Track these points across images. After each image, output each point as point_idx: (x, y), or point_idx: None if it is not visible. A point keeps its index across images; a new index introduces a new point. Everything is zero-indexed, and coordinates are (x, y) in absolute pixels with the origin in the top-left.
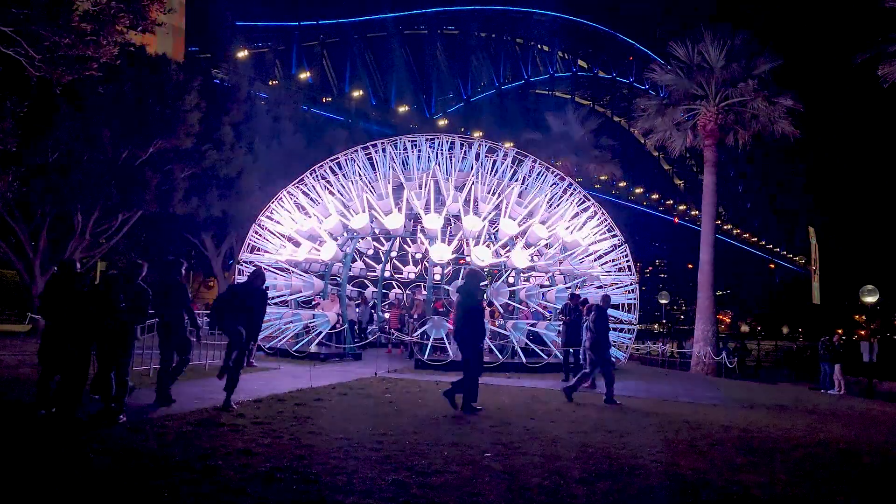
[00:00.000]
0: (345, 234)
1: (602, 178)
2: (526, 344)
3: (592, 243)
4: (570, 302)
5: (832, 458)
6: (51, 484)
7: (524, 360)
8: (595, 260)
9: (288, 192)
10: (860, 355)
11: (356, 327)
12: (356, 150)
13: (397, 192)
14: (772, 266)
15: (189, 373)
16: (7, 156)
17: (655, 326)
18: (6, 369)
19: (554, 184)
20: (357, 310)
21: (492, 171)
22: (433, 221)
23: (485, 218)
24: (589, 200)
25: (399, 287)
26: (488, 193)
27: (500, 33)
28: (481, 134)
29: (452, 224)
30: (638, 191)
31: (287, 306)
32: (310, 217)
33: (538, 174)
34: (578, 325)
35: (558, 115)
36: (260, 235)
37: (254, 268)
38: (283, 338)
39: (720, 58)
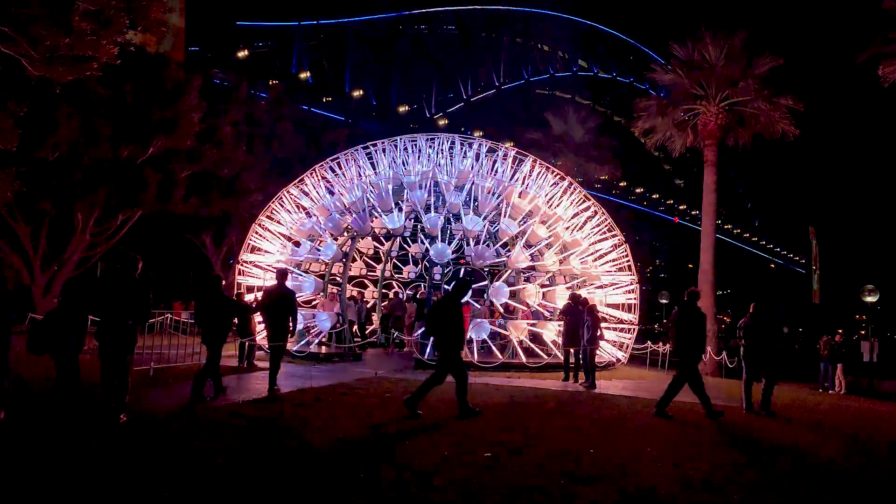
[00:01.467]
0: (345, 234)
1: (602, 177)
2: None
3: (593, 243)
4: (570, 302)
5: (833, 457)
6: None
7: (524, 359)
8: (595, 260)
9: (288, 192)
10: (860, 355)
11: (354, 327)
12: (356, 150)
13: (397, 192)
14: (772, 266)
15: (188, 372)
16: (7, 155)
17: (655, 326)
18: None
19: (554, 184)
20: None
21: (492, 170)
22: (433, 221)
23: (485, 218)
24: (589, 200)
25: (399, 287)
26: (488, 193)
27: (500, 33)
28: (481, 134)
29: (452, 224)
30: (638, 191)
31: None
32: (310, 217)
33: (538, 174)
34: (578, 325)
35: (558, 114)
36: (260, 235)
37: None
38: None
39: (720, 58)
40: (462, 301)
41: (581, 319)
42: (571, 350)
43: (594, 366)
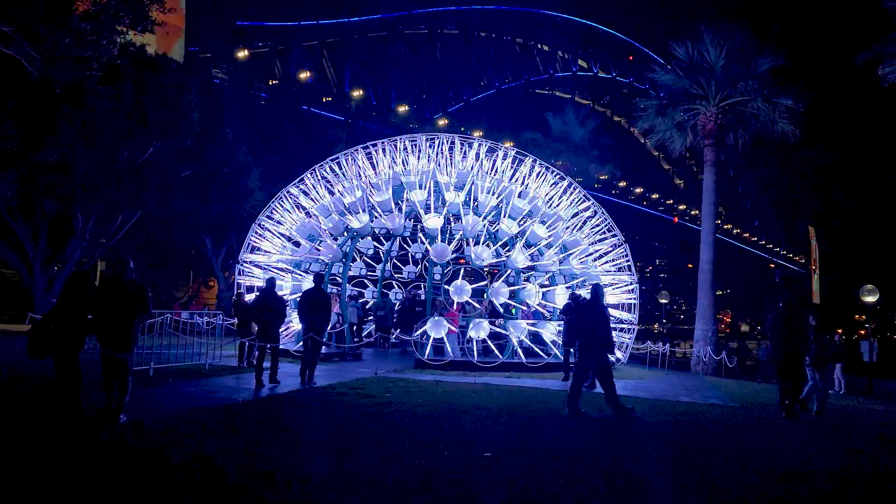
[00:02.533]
0: (345, 234)
1: (602, 177)
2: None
3: (593, 243)
4: (570, 301)
5: (834, 458)
6: (44, 484)
7: (524, 359)
8: (595, 259)
9: (288, 192)
10: (860, 355)
11: (354, 327)
12: (356, 150)
13: (397, 192)
14: (772, 266)
15: (188, 372)
16: (8, 155)
17: (655, 326)
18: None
19: (554, 184)
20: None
21: (492, 170)
22: (433, 221)
23: (485, 218)
24: (589, 200)
25: (399, 287)
26: (488, 193)
27: (500, 33)
28: (481, 134)
29: (452, 224)
30: (638, 191)
31: (287, 306)
32: (310, 217)
33: (538, 174)
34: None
35: (558, 114)
36: (260, 235)
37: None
38: (283, 338)
39: (720, 57)
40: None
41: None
42: (571, 349)
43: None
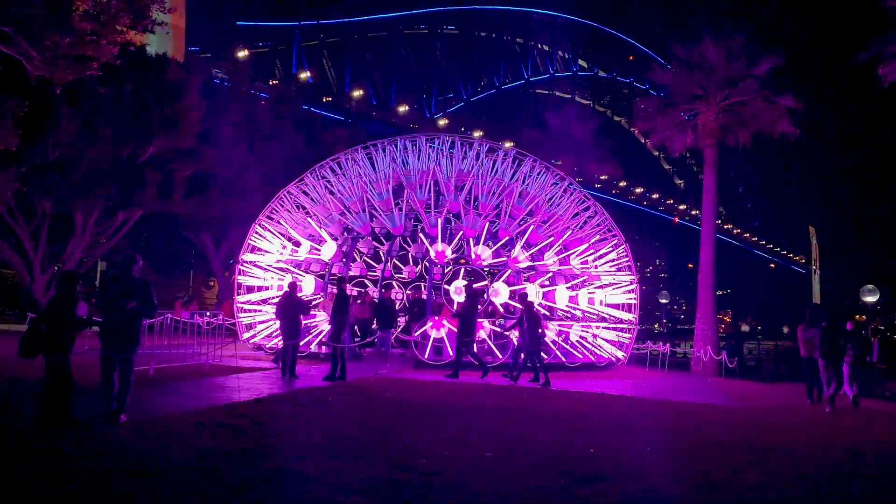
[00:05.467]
0: (345, 234)
1: (602, 177)
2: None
3: (593, 242)
4: (466, 298)
5: (833, 458)
6: (44, 486)
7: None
8: (595, 259)
9: (288, 192)
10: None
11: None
12: (356, 150)
13: (397, 192)
14: (772, 266)
15: (189, 372)
16: (8, 155)
17: (656, 326)
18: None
19: (554, 183)
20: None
21: (492, 170)
22: (433, 221)
23: (485, 217)
24: (589, 200)
25: (399, 287)
26: (488, 193)
27: (500, 33)
28: (481, 134)
29: (452, 224)
30: (638, 191)
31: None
32: (310, 217)
33: (538, 174)
34: (473, 321)
35: (558, 114)
36: (260, 235)
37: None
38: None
39: (720, 58)
40: None
41: (474, 315)
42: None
43: (541, 363)
